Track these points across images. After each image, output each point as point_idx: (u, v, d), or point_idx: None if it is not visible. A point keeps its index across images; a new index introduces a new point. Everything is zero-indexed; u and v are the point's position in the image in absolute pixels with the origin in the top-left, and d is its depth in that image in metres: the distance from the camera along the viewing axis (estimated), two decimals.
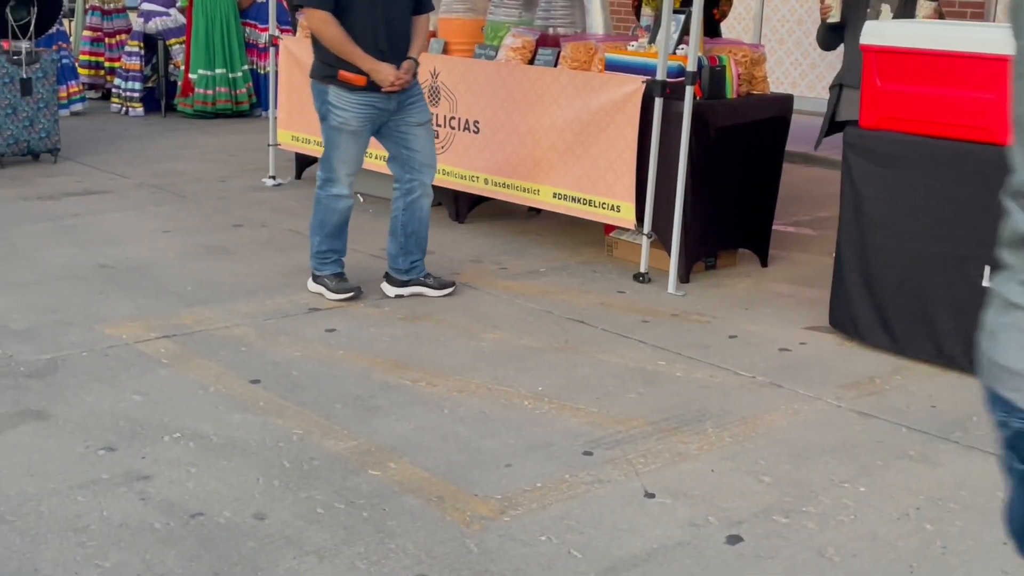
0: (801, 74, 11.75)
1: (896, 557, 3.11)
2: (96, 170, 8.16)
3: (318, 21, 4.88)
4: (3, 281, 5.36)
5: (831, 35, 5.93)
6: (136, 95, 10.82)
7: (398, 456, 3.62)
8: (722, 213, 5.77)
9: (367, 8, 4.90)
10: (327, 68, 4.98)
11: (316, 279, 5.28)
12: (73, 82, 10.57)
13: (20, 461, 3.48)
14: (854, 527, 3.27)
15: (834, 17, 5.57)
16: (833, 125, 5.90)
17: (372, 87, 4.95)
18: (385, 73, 4.92)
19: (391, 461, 3.58)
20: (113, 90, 11.05)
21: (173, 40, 10.79)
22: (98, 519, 3.14)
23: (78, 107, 10.53)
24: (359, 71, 4.91)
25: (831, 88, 5.94)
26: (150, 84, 10.95)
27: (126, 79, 10.86)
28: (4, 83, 7.84)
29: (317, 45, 5.03)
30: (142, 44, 10.82)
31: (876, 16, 5.53)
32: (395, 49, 4.98)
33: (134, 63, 10.81)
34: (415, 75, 5.08)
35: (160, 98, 11.00)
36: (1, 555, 2.94)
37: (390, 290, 5.32)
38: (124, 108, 10.87)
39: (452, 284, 5.38)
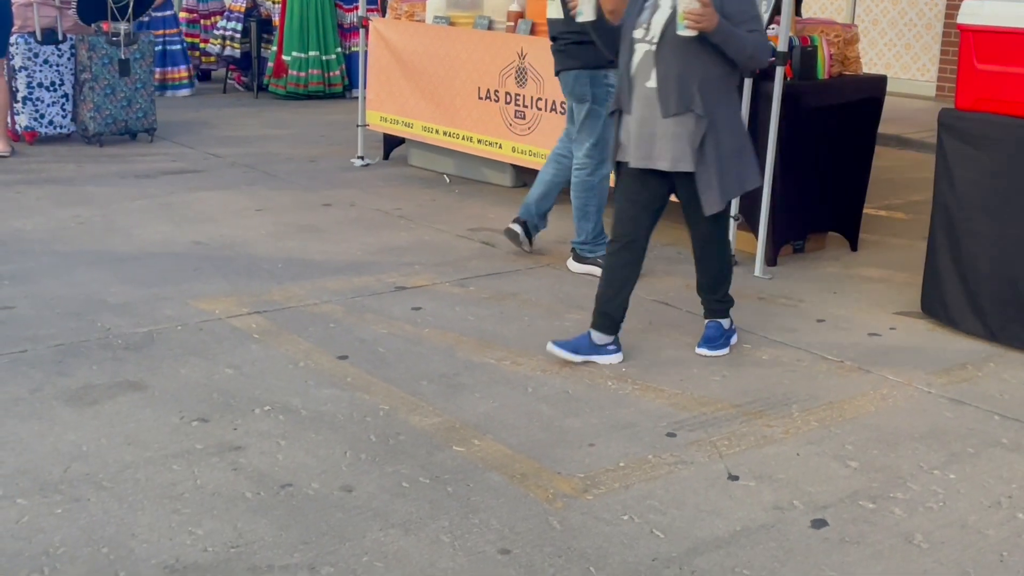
0: (895, 55, 11.50)
1: (986, 546, 3.06)
2: (191, 149, 8.35)
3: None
4: (102, 256, 5.52)
5: (595, 34, 4.91)
6: (238, 35, 11.07)
7: (482, 433, 3.65)
8: (811, 196, 5.68)
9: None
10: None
11: (586, 260, 5.39)
12: (184, 66, 10.87)
13: (118, 430, 3.60)
14: (943, 514, 3.22)
15: (583, 15, 4.49)
16: None
17: None
18: None
19: (475, 438, 3.62)
20: (211, 40, 11.35)
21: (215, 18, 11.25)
22: (192, 488, 3.24)
23: (185, 92, 10.82)
24: None
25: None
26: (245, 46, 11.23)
27: (228, 19, 11.15)
28: (103, 64, 8.05)
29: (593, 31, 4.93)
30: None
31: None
32: None
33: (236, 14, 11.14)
34: None
35: (253, 79, 11.20)
36: (100, 520, 3.05)
37: (575, 267, 5.45)
38: (223, 47, 11.13)
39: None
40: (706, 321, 4.47)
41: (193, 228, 6.10)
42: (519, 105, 6.62)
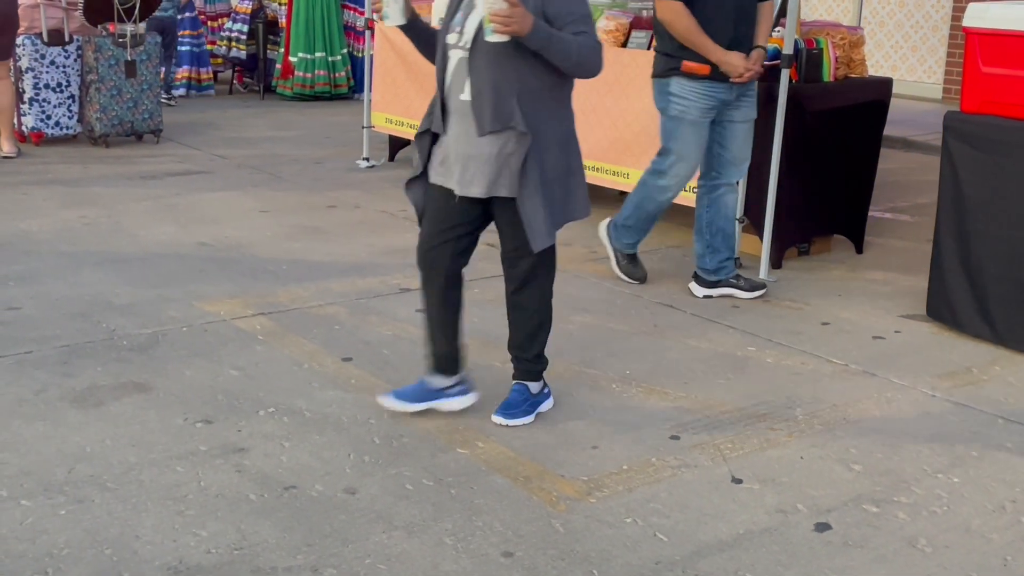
0: (901, 57, 11.49)
1: (990, 550, 3.05)
2: (196, 151, 8.37)
3: (671, 12, 4.74)
4: (107, 257, 5.53)
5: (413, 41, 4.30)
6: (244, 37, 11.12)
7: (486, 436, 3.66)
8: (817, 198, 5.68)
9: (719, 4, 4.76)
10: (670, 61, 4.85)
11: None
12: (206, 68, 10.97)
13: (122, 431, 3.61)
14: (947, 518, 3.21)
15: (389, 18, 3.63)
16: None
17: (716, 76, 4.81)
18: (736, 63, 4.77)
19: (479, 440, 3.62)
20: (218, 42, 11.40)
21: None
22: (196, 489, 3.24)
23: (211, 92, 10.96)
24: (704, 61, 4.79)
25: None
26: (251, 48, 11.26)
27: (234, 21, 11.20)
28: (109, 65, 8.07)
29: (661, 40, 4.90)
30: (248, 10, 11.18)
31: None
32: (744, 37, 4.83)
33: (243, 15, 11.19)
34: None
35: (259, 80, 11.23)
36: (104, 521, 3.06)
37: (699, 291, 5.17)
38: (228, 48, 11.19)
39: (763, 286, 5.19)
40: (513, 383, 3.84)
41: (198, 229, 6.11)
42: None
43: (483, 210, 3.63)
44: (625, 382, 4.14)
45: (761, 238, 5.50)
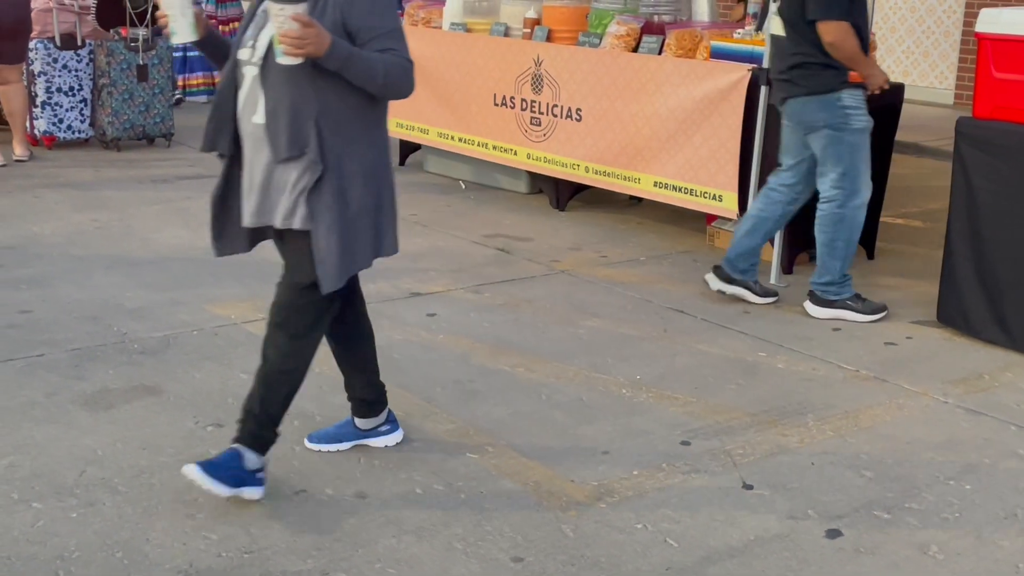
0: (913, 62, 11.46)
1: (1002, 557, 3.04)
2: (208, 154, 8.36)
3: (843, 33, 4.63)
4: (119, 261, 5.55)
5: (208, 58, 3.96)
6: None
7: (496, 440, 3.65)
8: None
9: (862, 13, 4.75)
10: (838, 74, 4.74)
11: (833, 304, 4.95)
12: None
13: (134, 435, 3.62)
14: (958, 525, 3.20)
15: (177, 35, 3.18)
16: None
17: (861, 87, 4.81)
18: (880, 76, 4.79)
19: (489, 445, 3.62)
20: None
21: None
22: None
23: None
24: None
25: None
26: None
27: None
28: (121, 69, 8.10)
29: (815, 55, 4.74)
30: None
31: None
32: (864, 50, 4.82)
33: None
34: None
35: None
36: (115, 524, 3.06)
37: (715, 283, 5.14)
38: None
39: (775, 294, 5.16)
40: (232, 444, 3.24)
41: (209, 233, 6.11)
42: (535, 112, 6.62)
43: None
44: (635, 387, 4.13)
45: (772, 243, 5.48)
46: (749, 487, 3.39)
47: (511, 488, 3.34)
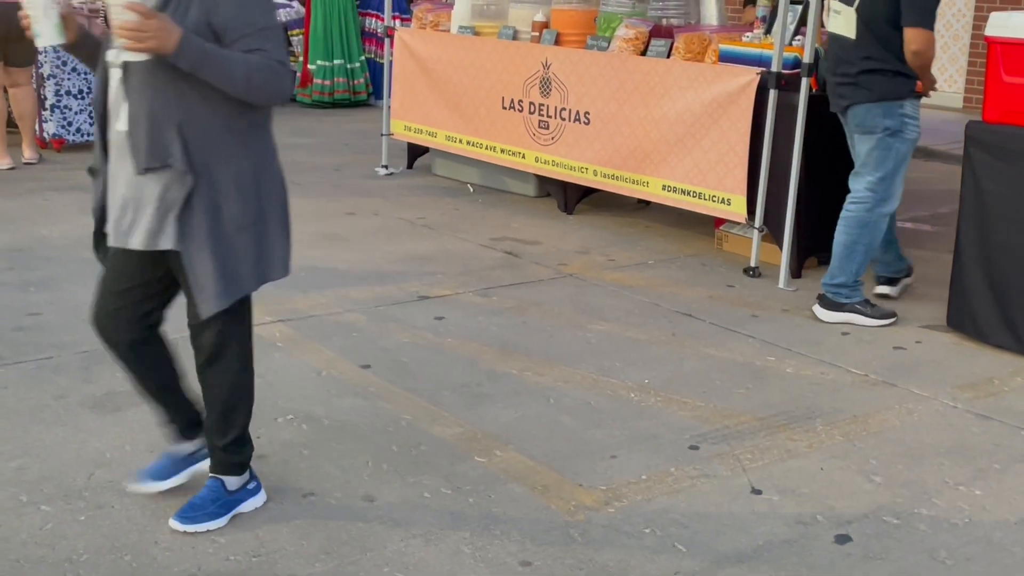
0: None
1: (1013, 563, 3.02)
2: None
3: (929, 42, 4.58)
4: None
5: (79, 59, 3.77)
6: None
7: (504, 444, 3.65)
8: (836, 208, 5.63)
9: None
10: (908, 82, 4.70)
11: (843, 307, 4.93)
12: None
13: (142, 437, 3.62)
14: (968, 531, 3.19)
15: (42, 37, 2.88)
16: None
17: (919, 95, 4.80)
18: (934, 83, 4.79)
19: (497, 449, 3.61)
20: None
21: (294, 31, 11.09)
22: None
23: None
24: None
25: None
26: None
27: None
28: None
29: (886, 60, 4.68)
30: None
31: None
32: None
33: None
34: None
35: None
36: (123, 527, 3.06)
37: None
38: None
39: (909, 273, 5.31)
40: (208, 477, 3.15)
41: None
42: (543, 115, 6.62)
43: (160, 268, 2.99)
44: (643, 391, 4.13)
45: (780, 247, 5.48)
46: (758, 492, 3.38)
47: (519, 492, 3.33)
